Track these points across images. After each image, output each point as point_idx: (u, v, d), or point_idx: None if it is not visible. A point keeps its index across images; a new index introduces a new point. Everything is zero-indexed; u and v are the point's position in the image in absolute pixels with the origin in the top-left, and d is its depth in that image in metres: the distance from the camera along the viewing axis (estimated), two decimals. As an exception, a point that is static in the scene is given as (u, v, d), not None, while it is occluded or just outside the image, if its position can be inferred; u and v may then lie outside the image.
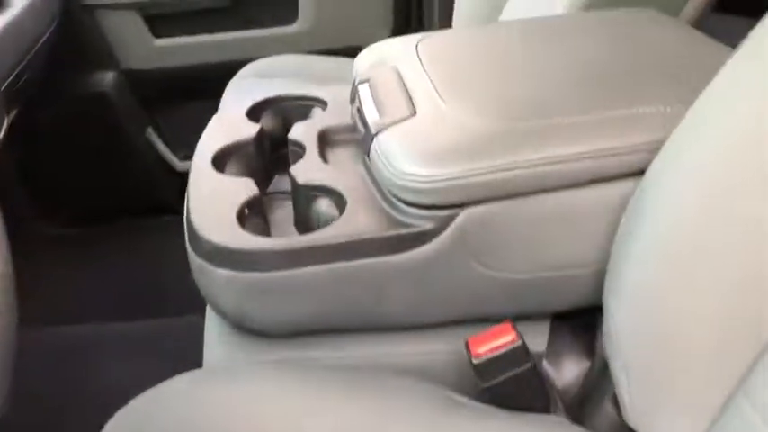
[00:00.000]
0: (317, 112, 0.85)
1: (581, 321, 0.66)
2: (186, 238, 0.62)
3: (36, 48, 1.26)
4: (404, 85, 0.70)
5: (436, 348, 0.63)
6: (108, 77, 1.51)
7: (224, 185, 0.67)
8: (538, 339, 0.64)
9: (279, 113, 0.87)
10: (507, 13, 1.11)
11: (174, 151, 1.61)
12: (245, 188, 0.66)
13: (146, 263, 1.50)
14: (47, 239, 1.53)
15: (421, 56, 0.75)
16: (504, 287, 0.60)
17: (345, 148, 0.75)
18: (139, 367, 1.06)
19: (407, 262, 0.58)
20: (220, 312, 0.61)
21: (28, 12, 1.18)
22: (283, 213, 0.75)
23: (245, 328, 0.61)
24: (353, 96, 0.76)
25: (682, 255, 0.49)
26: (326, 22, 1.51)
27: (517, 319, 0.63)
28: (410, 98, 0.67)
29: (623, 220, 0.56)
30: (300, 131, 0.76)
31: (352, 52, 1.46)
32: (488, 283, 0.60)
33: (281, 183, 0.81)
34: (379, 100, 0.69)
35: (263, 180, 0.80)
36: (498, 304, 0.61)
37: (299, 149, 0.75)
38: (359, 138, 0.72)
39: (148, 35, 1.49)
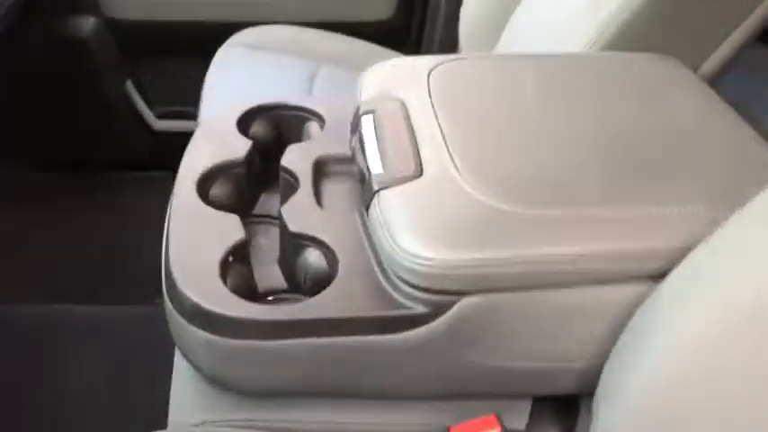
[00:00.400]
0: (312, 128, 0.80)
1: (562, 403, 0.64)
2: (164, 287, 0.58)
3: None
4: (411, 128, 0.66)
5: (414, 420, 0.61)
6: (89, 23, 1.42)
7: (208, 224, 0.63)
8: (518, 419, 0.62)
9: (272, 122, 0.82)
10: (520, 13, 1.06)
11: (151, 107, 1.54)
12: (230, 230, 0.62)
13: (113, 219, 1.45)
14: (11, 186, 1.46)
15: (432, 91, 0.70)
16: (493, 372, 0.58)
17: (341, 183, 0.71)
18: (104, 365, 1.02)
19: (396, 343, 0.55)
20: (195, 367, 0.58)
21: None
22: (267, 243, 0.71)
23: (220, 386, 0.58)
24: (355, 126, 0.71)
25: (691, 382, 0.47)
26: (327, -6, 1.43)
27: (498, 396, 0.61)
28: (417, 150, 0.63)
29: (631, 324, 0.54)
30: (294, 159, 0.71)
31: (349, 28, 1.42)
32: (478, 368, 0.57)
33: (268, 202, 0.77)
34: (383, 143, 0.65)
35: (249, 200, 0.75)
36: (484, 386, 0.59)
37: (292, 180, 0.70)
38: (356, 171, 0.68)
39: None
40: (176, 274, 0.56)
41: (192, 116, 1.53)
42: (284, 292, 0.65)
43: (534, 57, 0.78)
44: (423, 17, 1.44)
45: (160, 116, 1.55)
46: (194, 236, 0.61)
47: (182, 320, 0.56)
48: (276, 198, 0.75)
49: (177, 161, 1.40)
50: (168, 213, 0.66)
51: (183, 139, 1.53)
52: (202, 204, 0.65)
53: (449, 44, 1.37)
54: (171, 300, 0.57)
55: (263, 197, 0.78)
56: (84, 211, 1.46)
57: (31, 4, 1.25)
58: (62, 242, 1.34)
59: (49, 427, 0.93)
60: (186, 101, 1.55)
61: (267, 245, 0.71)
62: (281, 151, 0.78)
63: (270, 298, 0.65)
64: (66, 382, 0.99)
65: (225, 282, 0.58)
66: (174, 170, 1.73)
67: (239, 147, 0.73)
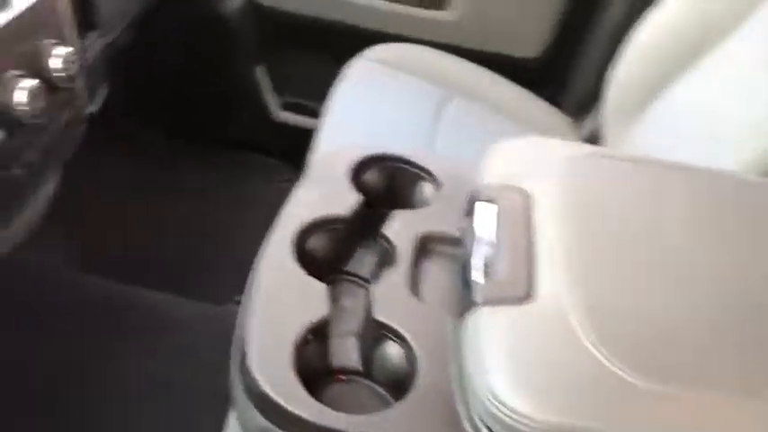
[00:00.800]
0: (426, 190, 0.75)
1: None
2: (233, 351, 0.55)
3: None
4: (532, 233, 0.60)
5: None
6: (234, 2, 1.42)
7: (294, 292, 0.59)
8: None
9: (385, 171, 0.77)
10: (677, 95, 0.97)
11: (277, 97, 1.54)
12: (315, 304, 0.58)
13: (216, 198, 1.46)
14: (137, 150, 1.49)
15: (565, 192, 0.63)
16: None
17: (444, 267, 0.66)
18: (161, 365, 1.01)
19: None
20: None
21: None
22: (352, 307, 0.67)
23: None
24: (470, 210, 0.65)
25: None
26: (477, 19, 1.37)
27: None
28: (533, 264, 0.57)
29: None
30: (398, 229, 0.67)
31: (492, 59, 1.35)
32: None
33: (363, 260, 0.73)
34: (496, 244, 0.59)
35: (345, 254, 0.72)
36: None
37: (391, 251, 0.66)
38: (462, 256, 0.63)
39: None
40: (249, 347, 0.53)
41: (314, 113, 1.52)
42: (357, 373, 0.62)
43: (688, 171, 0.69)
44: (570, 65, 1.35)
45: (284, 107, 1.55)
46: (277, 304, 0.58)
47: (243, 395, 0.53)
48: (373, 257, 0.71)
49: (292, 153, 1.39)
50: (258, 262, 0.63)
51: (301, 134, 1.53)
52: (294, 264, 0.62)
53: (591, 99, 1.28)
54: (239, 367, 0.54)
55: (360, 251, 0.74)
56: (193, 185, 1.48)
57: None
58: (163, 217, 1.36)
59: (90, 415, 0.94)
60: (312, 96, 1.55)
61: (351, 310, 0.67)
62: (390, 203, 0.74)
63: (342, 377, 0.61)
64: (117, 371, 0.99)
65: (297, 363, 0.54)
66: (287, 160, 1.72)
67: (347, 201, 0.69)
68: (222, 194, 1.48)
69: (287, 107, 1.55)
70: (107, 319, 1.06)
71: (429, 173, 0.76)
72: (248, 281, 0.63)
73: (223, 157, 1.56)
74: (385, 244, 0.67)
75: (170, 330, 1.05)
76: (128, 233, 1.27)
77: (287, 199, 0.71)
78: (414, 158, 0.78)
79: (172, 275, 1.19)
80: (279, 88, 1.54)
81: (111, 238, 1.25)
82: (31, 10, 0.61)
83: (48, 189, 0.80)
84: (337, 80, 1.21)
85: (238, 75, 1.51)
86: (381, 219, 0.73)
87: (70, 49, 0.65)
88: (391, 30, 1.38)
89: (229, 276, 1.18)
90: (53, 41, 0.65)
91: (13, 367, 0.95)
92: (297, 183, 0.76)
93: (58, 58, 0.64)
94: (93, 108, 0.77)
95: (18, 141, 0.62)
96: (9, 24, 0.59)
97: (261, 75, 1.52)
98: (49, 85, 0.63)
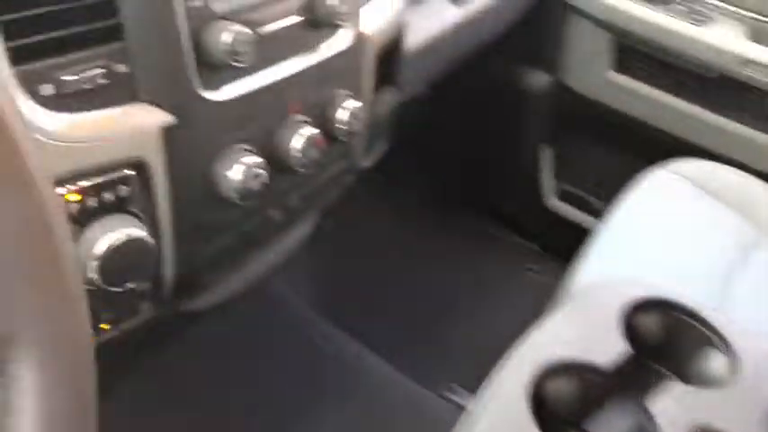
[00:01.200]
0: (715, 362, 0.59)
1: None
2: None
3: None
4: None
5: None
6: (542, 80, 1.35)
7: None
8: None
9: (664, 320, 0.63)
10: None
11: (557, 184, 1.43)
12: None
13: (463, 276, 1.38)
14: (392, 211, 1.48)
15: None
16: None
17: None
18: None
19: None
20: None
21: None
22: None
23: None
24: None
25: None
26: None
27: None
28: None
29: None
30: (668, 410, 0.52)
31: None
32: None
33: (613, 425, 0.59)
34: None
35: (590, 409, 0.59)
36: None
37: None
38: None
39: (609, 61, 1.27)
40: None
41: (591, 210, 1.38)
42: None
43: None
44: None
45: (560, 195, 1.44)
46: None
47: None
48: (626, 425, 0.57)
49: (553, 242, 1.25)
50: (487, 393, 0.53)
51: (570, 227, 1.40)
52: (526, 415, 0.50)
53: None
54: None
55: (610, 410, 0.60)
56: (439, 251, 1.42)
57: (496, 49, 1.22)
58: (402, 277, 1.32)
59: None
60: (594, 192, 1.41)
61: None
62: (662, 357, 0.60)
63: None
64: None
65: None
66: (545, 248, 1.58)
67: (612, 350, 0.56)
68: (464, 267, 1.40)
69: (563, 196, 1.43)
70: (320, 368, 1.03)
71: (724, 340, 0.60)
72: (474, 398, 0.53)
73: (479, 227, 1.50)
74: (646, 419, 0.53)
75: (376, 405, 0.99)
76: (362, 285, 1.25)
77: (535, 326, 0.60)
78: (708, 316, 0.62)
79: (393, 340, 1.13)
80: (560, 174, 1.43)
81: (346, 287, 1.23)
82: (334, 59, 0.59)
83: (302, 230, 0.78)
84: (629, 186, 1.07)
85: (522, 151, 1.43)
86: (647, 377, 0.59)
87: (360, 104, 0.61)
88: (707, 144, 1.20)
89: (449, 359, 1.09)
90: (346, 92, 0.62)
91: (225, 390, 0.96)
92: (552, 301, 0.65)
93: (345, 110, 0.61)
94: (366, 163, 0.73)
95: (282, 185, 0.59)
96: (309, 69, 0.58)
97: (545, 156, 1.42)
98: (329, 135, 0.60)
